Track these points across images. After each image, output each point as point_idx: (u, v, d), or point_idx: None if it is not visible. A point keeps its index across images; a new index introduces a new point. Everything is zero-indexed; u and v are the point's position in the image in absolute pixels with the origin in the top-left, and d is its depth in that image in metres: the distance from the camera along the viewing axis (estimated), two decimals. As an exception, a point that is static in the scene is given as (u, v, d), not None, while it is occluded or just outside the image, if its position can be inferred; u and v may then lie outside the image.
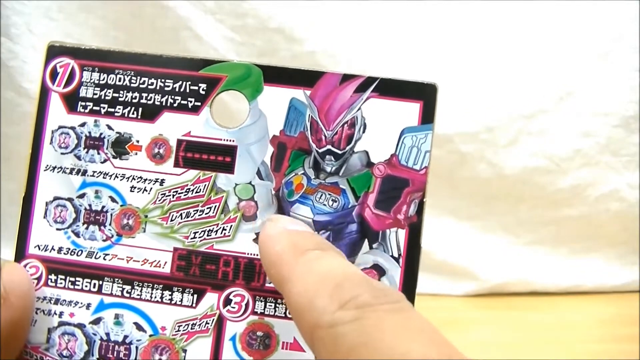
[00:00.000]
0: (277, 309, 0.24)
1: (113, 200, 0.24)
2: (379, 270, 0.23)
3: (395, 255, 0.24)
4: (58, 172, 0.25)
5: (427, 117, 0.24)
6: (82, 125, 0.25)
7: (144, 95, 0.25)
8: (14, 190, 0.56)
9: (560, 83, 0.62)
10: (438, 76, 0.63)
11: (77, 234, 0.24)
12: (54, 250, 0.24)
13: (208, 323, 0.24)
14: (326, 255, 0.21)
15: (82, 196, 0.24)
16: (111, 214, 0.24)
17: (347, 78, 0.24)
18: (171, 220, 0.24)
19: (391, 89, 0.24)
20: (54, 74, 0.25)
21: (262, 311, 0.24)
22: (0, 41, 0.53)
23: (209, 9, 0.56)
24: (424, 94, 0.24)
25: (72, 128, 0.25)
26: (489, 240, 0.65)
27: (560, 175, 0.63)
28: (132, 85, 0.25)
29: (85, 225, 0.24)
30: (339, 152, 0.24)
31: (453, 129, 0.61)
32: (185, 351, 0.23)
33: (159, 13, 0.55)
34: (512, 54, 0.62)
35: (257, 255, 0.24)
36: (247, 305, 0.24)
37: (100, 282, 0.24)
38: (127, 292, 0.24)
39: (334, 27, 0.59)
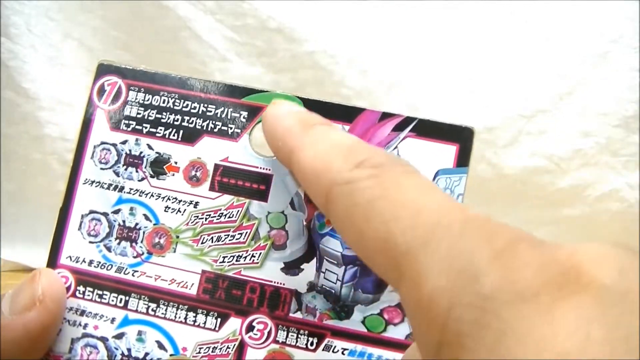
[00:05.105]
0: (298, 339, 0.24)
1: (147, 218, 0.25)
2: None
3: (421, 295, 0.23)
4: (96, 186, 0.25)
5: (463, 160, 0.24)
6: (124, 142, 0.25)
7: (186, 118, 0.25)
8: (14, 190, 0.56)
9: (560, 83, 0.62)
10: (438, 76, 0.63)
11: (108, 249, 0.25)
12: (85, 262, 0.25)
13: (229, 348, 0.24)
14: (334, 128, 0.21)
15: (117, 212, 0.25)
16: (144, 232, 0.25)
17: (385, 116, 0.24)
18: (202, 243, 0.24)
19: (428, 129, 0.24)
20: (101, 91, 0.26)
21: (284, 341, 0.24)
22: (0, 41, 0.53)
23: (209, 9, 0.56)
24: (460, 137, 0.24)
25: (114, 145, 0.25)
26: None
27: (560, 175, 0.62)
28: (175, 107, 0.25)
29: (118, 241, 0.25)
30: (373, 188, 0.24)
31: None
32: None
33: (159, 13, 0.55)
34: (511, 53, 0.61)
35: (284, 284, 0.24)
36: (269, 333, 0.24)
37: (127, 298, 0.24)
38: (152, 309, 0.24)
39: (334, 27, 0.58)
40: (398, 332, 0.24)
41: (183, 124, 0.25)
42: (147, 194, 0.25)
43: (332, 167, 0.19)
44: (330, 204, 0.19)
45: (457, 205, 0.17)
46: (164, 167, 0.25)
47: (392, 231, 0.16)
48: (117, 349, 0.24)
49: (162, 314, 0.24)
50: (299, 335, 0.24)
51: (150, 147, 0.25)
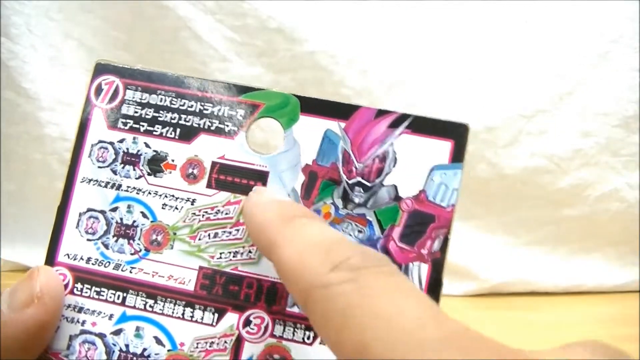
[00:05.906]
0: (295, 333, 0.24)
1: (144, 215, 0.25)
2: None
3: (417, 290, 0.24)
4: (94, 184, 0.25)
5: (458, 156, 0.24)
6: (121, 141, 0.26)
7: (183, 116, 0.25)
8: (14, 190, 0.56)
9: (560, 83, 0.62)
10: (438, 76, 0.64)
11: (106, 246, 0.25)
12: (83, 259, 0.25)
13: (226, 342, 0.24)
14: (314, 222, 0.21)
15: (114, 209, 0.25)
16: (141, 229, 0.25)
17: (381, 113, 0.25)
18: (199, 240, 0.25)
19: (424, 126, 0.24)
20: (98, 90, 0.26)
21: (281, 335, 0.24)
22: (0, 41, 0.53)
23: (209, 9, 0.56)
24: (455, 134, 0.24)
25: (111, 143, 0.26)
26: (489, 240, 0.64)
27: (560, 175, 0.63)
28: (172, 106, 0.25)
29: (115, 238, 0.25)
30: (369, 184, 0.24)
31: None
32: None
33: (159, 13, 0.55)
34: (512, 54, 0.62)
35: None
36: (266, 327, 0.24)
37: (125, 295, 0.24)
38: (149, 306, 0.24)
39: (334, 27, 0.59)
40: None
41: (180, 122, 0.25)
42: (144, 192, 0.25)
43: (310, 267, 0.19)
44: (308, 306, 0.19)
45: (432, 315, 0.17)
46: (161, 165, 0.25)
47: (367, 342, 0.16)
48: (115, 345, 0.24)
49: (160, 309, 0.24)
50: (296, 330, 0.24)
51: (147, 146, 0.25)
